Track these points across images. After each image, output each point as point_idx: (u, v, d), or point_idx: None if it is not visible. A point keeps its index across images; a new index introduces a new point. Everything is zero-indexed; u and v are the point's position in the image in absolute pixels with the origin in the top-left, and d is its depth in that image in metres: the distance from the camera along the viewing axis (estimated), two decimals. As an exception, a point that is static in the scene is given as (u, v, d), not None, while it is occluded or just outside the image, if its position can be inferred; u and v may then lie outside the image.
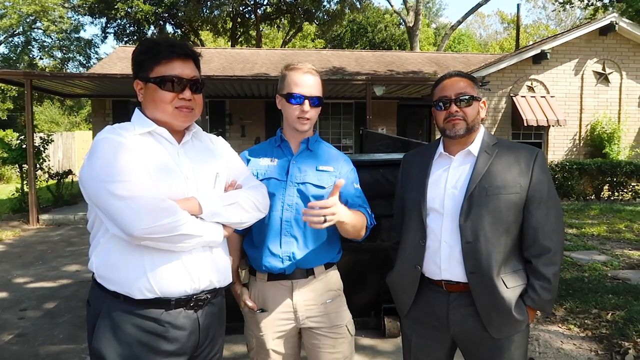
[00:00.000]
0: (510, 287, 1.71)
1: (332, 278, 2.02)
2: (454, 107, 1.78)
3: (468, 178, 1.77)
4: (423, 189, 1.86)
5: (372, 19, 32.93)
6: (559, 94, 12.46)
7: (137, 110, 1.60)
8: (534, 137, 12.60)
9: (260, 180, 1.91)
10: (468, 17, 23.23)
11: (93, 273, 1.52)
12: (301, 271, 1.92)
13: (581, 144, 12.66)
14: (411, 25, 22.58)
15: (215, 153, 1.71)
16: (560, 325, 3.98)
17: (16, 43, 31.34)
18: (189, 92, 1.54)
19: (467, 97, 1.77)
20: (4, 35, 30.50)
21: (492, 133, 12.40)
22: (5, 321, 4.23)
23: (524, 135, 12.54)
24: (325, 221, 1.64)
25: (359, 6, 22.81)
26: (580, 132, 12.62)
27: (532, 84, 12.46)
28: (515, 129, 12.47)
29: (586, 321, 3.98)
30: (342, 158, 2.06)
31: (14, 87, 19.50)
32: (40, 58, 31.67)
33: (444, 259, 1.78)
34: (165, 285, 1.46)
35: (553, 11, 28.37)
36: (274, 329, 1.94)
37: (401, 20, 26.51)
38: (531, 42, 18.13)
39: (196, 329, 1.55)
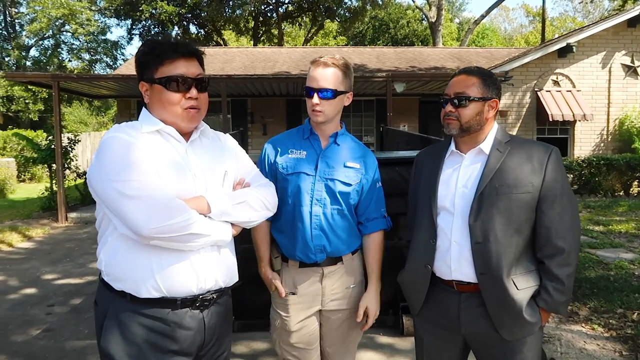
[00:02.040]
0: (521, 288, 1.69)
1: (357, 264, 2.10)
2: (449, 107, 1.78)
3: (479, 177, 1.75)
4: (434, 188, 1.85)
5: (394, 15, 32.66)
6: (586, 88, 12.14)
7: (144, 110, 1.60)
8: (559, 132, 12.33)
9: (290, 173, 1.97)
10: (492, 10, 22.88)
11: (100, 273, 1.54)
12: (331, 259, 2.01)
13: (609, 139, 12.32)
14: (433, 20, 22.34)
15: (223, 151, 1.71)
16: (583, 324, 3.90)
17: (46, 46, 32.21)
18: (195, 90, 1.53)
19: (463, 98, 1.75)
20: (35, 39, 31.37)
21: (517, 128, 12.19)
22: (34, 316, 4.37)
23: (549, 131, 12.29)
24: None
25: (380, 2, 22.66)
26: (608, 126, 12.28)
27: (557, 78, 12.18)
28: (540, 124, 12.21)
29: (611, 321, 3.89)
30: (367, 156, 2.09)
31: (45, 89, 20.05)
32: (69, 60, 32.48)
33: (454, 259, 1.77)
34: (172, 284, 1.47)
35: (580, 3, 27.67)
36: (300, 312, 2.03)
37: (423, 16, 26.24)
38: (557, 36, 17.72)
39: (202, 329, 1.56)
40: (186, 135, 1.59)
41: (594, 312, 4.11)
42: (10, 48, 30.25)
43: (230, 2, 21.91)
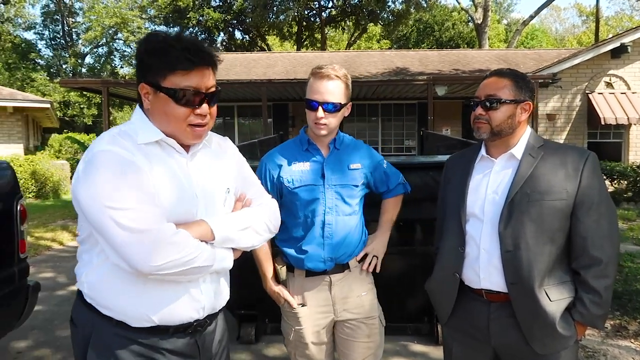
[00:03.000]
0: (554, 300, 1.61)
1: (371, 264, 2.09)
2: (479, 110, 1.71)
3: (510, 183, 1.68)
4: (463, 194, 1.79)
5: (439, 17, 32.18)
6: (642, 90, 11.55)
7: (139, 112, 1.38)
8: (612, 136, 11.78)
9: (298, 187, 1.95)
10: (542, 11, 22.15)
11: (80, 291, 1.39)
12: (338, 267, 2.00)
13: (668, 144, 11.66)
14: (479, 22, 21.85)
15: (225, 161, 1.54)
16: (632, 340, 3.68)
17: (100, 53, 33.82)
18: (207, 106, 1.35)
19: (494, 100, 1.68)
20: (90, 47, 32.96)
21: (566, 133, 11.73)
22: (68, 313, 4.54)
23: (601, 135, 11.76)
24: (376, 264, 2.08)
25: (425, 5, 22.40)
26: (666, 130, 11.63)
27: (610, 80, 11.65)
28: (592, 128, 11.71)
29: (663, 337, 3.65)
30: (361, 152, 2.09)
31: (97, 95, 21.05)
32: (121, 67, 33.92)
33: (482, 268, 1.71)
34: (167, 315, 1.35)
35: (638, 1, 26.34)
36: (313, 322, 2.01)
37: (469, 18, 25.70)
38: (611, 35, 16.95)
39: (197, 353, 1.45)
40: (187, 145, 1.42)
41: (645, 327, 3.87)
42: (67, 56, 31.89)
43: (274, 8, 22.23)
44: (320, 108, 1.89)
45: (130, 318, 1.32)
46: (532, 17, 22.32)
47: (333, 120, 1.93)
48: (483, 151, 1.82)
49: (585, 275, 1.61)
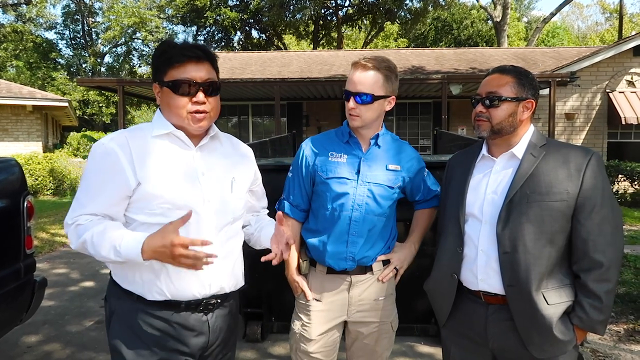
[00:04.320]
0: (552, 303, 1.56)
1: (388, 275, 2.02)
2: (479, 107, 1.68)
3: (509, 183, 1.64)
4: (462, 193, 1.76)
5: (458, 15, 31.79)
6: (665, 89, 11.26)
7: (158, 111, 1.61)
8: (634, 136, 11.50)
9: (330, 177, 1.92)
10: (563, 8, 21.74)
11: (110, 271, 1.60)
12: (361, 268, 1.96)
13: (691, 144, 11.35)
14: (498, 20, 21.55)
15: (234, 157, 1.70)
16: (647, 345, 3.58)
17: (119, 53, 34.23)
18: (203, 95, 1.51)
19: (495, 97, 1.64)
20: (109, 46, 33.39)
21: (585, 132, 11.51)
22: (89, 309, 4.60)
23: (622, 135, 11.50)
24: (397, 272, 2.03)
25: (442, 3, 22.16)
26: (690, 130, 11.32)
27: (632, 79, 11.38)
28: (612, 127, 11.46)
29: (679, 343, 3.54)
30: (403, 153, 2.02)
31: (116, 93, 21.32)
32: (139, 66, 34.29)
33: (480, 269, 1.67)
34: (176, 289, 1.50)
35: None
36: (323, 321, 1.98)
37: (488, 16, 25.35)
38: (634, 33, 16.59)
39: (206, 331, 1.58)
40: (196, 139, 1.58)
41: (660, 332, 3.76)
42: (87, 55, 32.40)
43: (291, 7, 22.25)
44: (352, 98, 1.85)
45: (146, 291, 1.49)
46: (553, 15, 21.92)
47: (366, 112, 1.85)
48: (484, 150, 1.78)
49: (585, 278, 1.56)
